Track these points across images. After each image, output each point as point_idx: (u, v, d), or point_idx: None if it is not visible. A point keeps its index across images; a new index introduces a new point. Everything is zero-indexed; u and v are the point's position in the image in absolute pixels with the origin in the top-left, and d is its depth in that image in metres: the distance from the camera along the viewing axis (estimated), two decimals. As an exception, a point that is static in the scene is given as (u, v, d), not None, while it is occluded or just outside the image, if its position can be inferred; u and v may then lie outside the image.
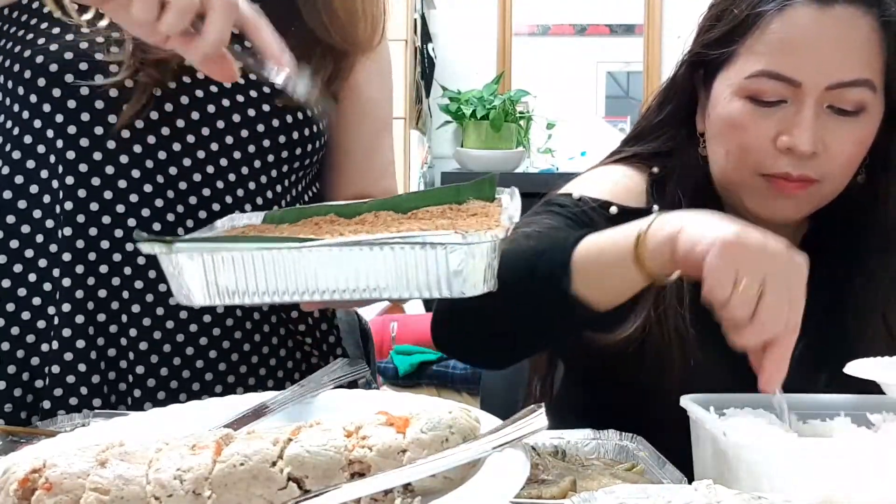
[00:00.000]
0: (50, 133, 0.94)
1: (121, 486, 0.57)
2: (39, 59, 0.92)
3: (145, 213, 0.95)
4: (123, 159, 0.94)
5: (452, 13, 4.03)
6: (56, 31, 0.94)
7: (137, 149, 0.94)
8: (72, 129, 0.93)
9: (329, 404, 0.76)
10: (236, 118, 0.96)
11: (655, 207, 1.02)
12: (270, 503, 0.58)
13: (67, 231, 0.93)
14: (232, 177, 0.97)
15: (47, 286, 0.94)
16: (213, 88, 0.96)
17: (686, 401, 0.77)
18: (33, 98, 0.93)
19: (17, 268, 0.94)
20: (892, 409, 0.78)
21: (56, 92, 0.93)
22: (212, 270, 0.69)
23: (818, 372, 0.98)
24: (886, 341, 1.02)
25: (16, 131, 0.95)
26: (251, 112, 0.97)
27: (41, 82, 0.93)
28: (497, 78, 3.76)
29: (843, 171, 0.99)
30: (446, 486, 0.57)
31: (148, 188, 0.94)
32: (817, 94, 0.95)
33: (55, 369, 0.92)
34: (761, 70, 0.96)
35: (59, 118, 0.93)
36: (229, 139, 0.96)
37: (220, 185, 0.97)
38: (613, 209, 1.03)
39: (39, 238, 0.94)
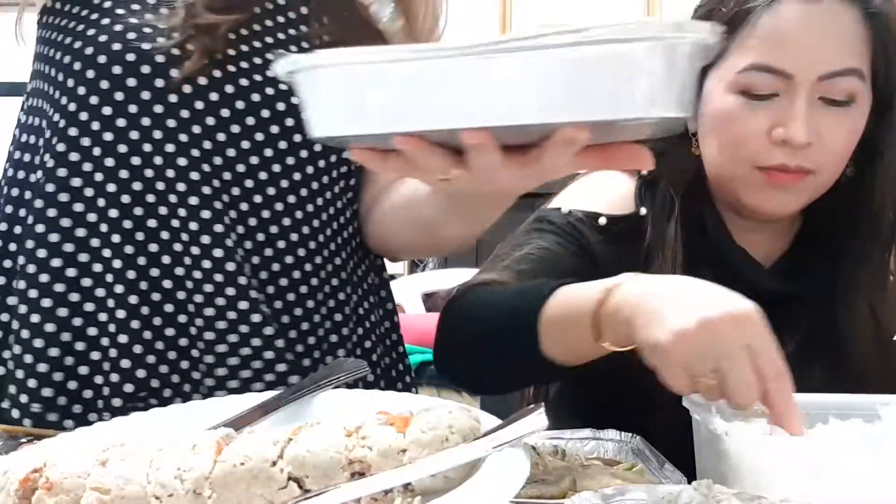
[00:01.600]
0: (96, 125, 0.92)
1: (121, 485, 0.57)
2: (89, 50, 0.91)
3: (186, 210, 0.93)
4: (170, 148, 0.92)
5: (452, 13, 4.03)
6: (105, 21, 0.92)
7: (184, 138, 0.92)
8: (121, 122, 0.92)
9: (329, 404, 0.76)
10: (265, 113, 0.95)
11: (642, 210, 1.04)
12: (270, 503, 0.58)
13: (116, 238, 0.92)
14: (265, 174, 0.95)
15: (100, 291, 0.92)
16: (244, 82, 0.95)
17: (688, 401, 0.77)
18: (81, 90, 0.92)
19: (71, 272, 0.92)
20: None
21: (104, 84, 0.91)
22: (363, 89, 0.61)
23: (813, 364, 0.99)
24: (873, 329, 1.04)
25: (62, 123, 0.93)
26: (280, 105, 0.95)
27: (90, 74, 0.91)
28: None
29: (836, 162, 1.01)
30: (446, 486, 0.57)
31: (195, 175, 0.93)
32: (809, 85, 0.97)
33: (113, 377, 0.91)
34: (752, 63, 0.98)
35: (108, 111, 0.92)
36: (259, 136, 0.95)
37: (262, 176, 0.95)
38: (602, 220, 1.05)
39: (95, 242, 0.92)
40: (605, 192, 1.08)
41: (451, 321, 0.97)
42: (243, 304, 0.93)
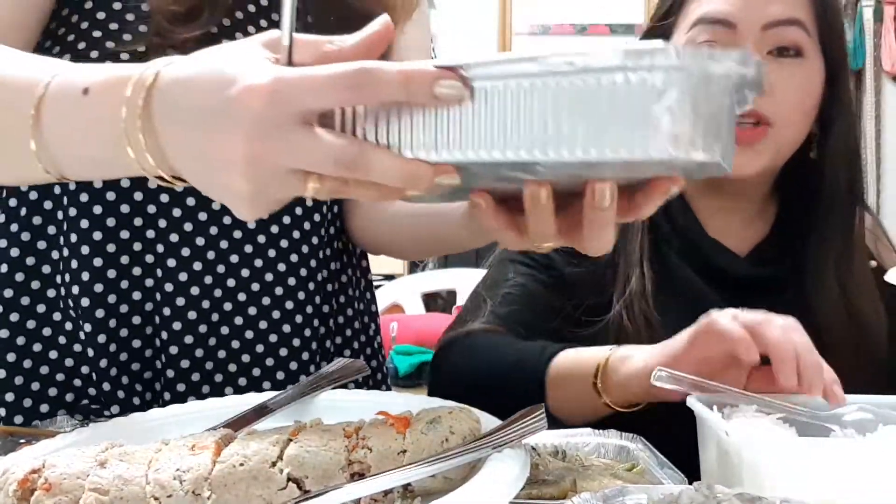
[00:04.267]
0: None
1: (120, 486, 0.57)
2: (94, 53, 0.90)
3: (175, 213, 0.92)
4: None
5: (452, 13, 4.03)
6: (113, 26, 0.91)
7: None
8: None
9: (329, 404, 0.76)
10: None
11: None
12: (270, 503, 0.57)
13: (84, 224, 0.91)
14: None
15: (75, 289, 0.92)
16: None
17: (692, 400, 0.77)
18: None
19: (45, 269, 0.92)
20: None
21: None
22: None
23: None
24: (839, 297, 1.06)
25: None
26: None
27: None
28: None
29: (793, 114, 1.04)
30: (446, 487, 0.57)
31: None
32: (754, 35, 1.02)
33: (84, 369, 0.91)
34: (698, 17, 1.04)
35: None
36: None
37: None
38: None
39: (74, 238, 0.92)
40: None
41: (449, 367, 1.03)
42: (228, 306, 0.93)
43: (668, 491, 0.61)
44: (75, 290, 0.91)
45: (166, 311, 0.92)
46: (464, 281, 2.38)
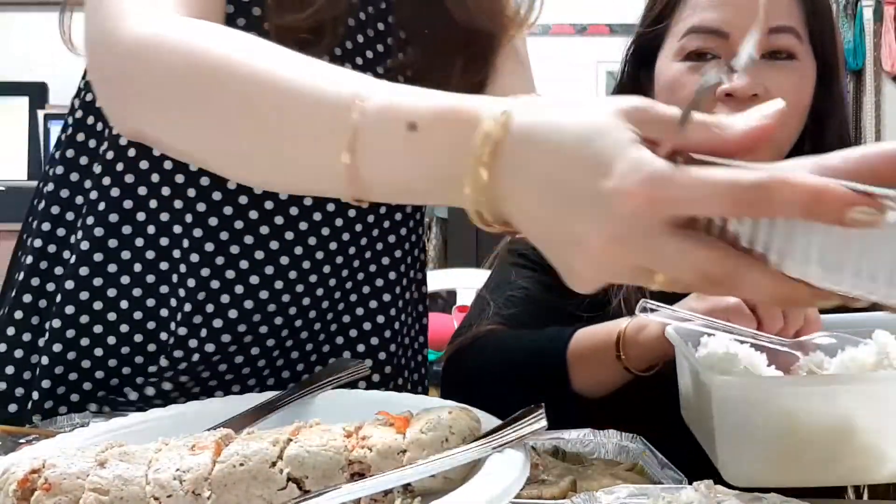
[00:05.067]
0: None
1: (120, 486, 0.57)
2: None
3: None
4: None
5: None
6: None
7: None
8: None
9: (329, 404, 0.76)
10: None
11: None
12: (270, 503, 0.58)
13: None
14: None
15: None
16: None
17: (670, 331, 0.83)
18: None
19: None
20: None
21: None
22: None
23: None
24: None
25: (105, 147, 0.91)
26: None
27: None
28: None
29: (788, 116, 1.04)
30: (446, 486, 0.57)
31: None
32: None
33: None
34: (690, 27, 1.05)
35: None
36: None
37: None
38: None
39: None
40: None
41: (465, 372, 1.05)
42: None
43: (668, 491, 0.61)
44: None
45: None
46: (464, 281, 2.38)
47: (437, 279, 2.70)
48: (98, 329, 0.90)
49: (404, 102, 0.56)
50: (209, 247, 0.89)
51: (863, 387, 0.72)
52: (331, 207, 0.91)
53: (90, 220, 0.90)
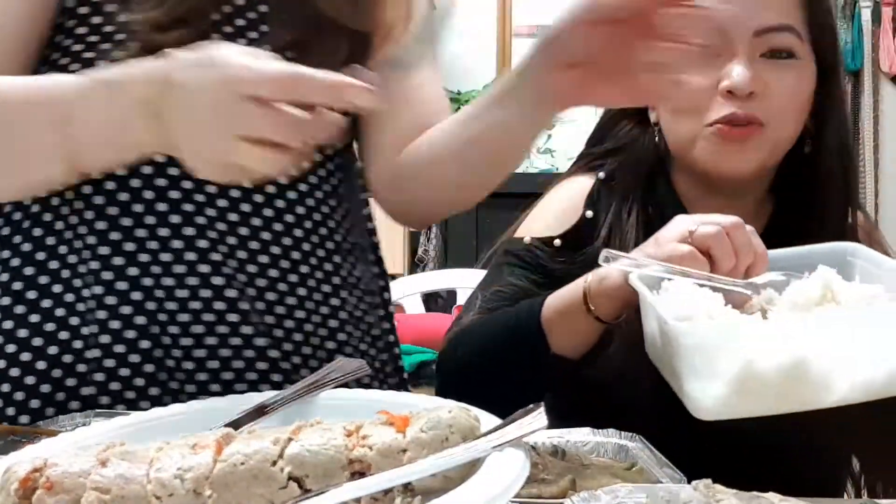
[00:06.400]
0: None
1: (122, 485, 0.57)
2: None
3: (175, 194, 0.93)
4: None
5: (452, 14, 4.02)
6: (105, 46, 0.91)
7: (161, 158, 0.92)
8: None
9: (329, 404, 0.76)
10: None
11: (589, 213, 1.11)
12: (271, 502, 0.58)
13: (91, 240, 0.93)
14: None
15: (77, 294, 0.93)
16: None
17: (633, 278, 0.87)
18: None
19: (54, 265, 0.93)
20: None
21: None
22: None
23: None
24: None
25: None
26: None
27: None
28: (497, 78, 3.75)
29: (785, 115, 1.06)
30: (446, 486, 0.57)
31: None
32: (746, 41, 1.03)
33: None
34: None
35: None
36: None
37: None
38: (557, 242, 1.11)
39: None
40: (554, 214, 1.14)
41: (455, 362, 1.07)
42: (233, 317, 0.93)
43: (668, 491, 0.62)
44: (85, 292, 0.92)
45: (171, 306, 0.92)
46: (464, 281, 2.38)
47: (437, 279, 2.71)
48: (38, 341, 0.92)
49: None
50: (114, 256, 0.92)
51: (811, 326, 0.80)
52: (235, 193, 0.95)
53: (17, 239, 0.94)
